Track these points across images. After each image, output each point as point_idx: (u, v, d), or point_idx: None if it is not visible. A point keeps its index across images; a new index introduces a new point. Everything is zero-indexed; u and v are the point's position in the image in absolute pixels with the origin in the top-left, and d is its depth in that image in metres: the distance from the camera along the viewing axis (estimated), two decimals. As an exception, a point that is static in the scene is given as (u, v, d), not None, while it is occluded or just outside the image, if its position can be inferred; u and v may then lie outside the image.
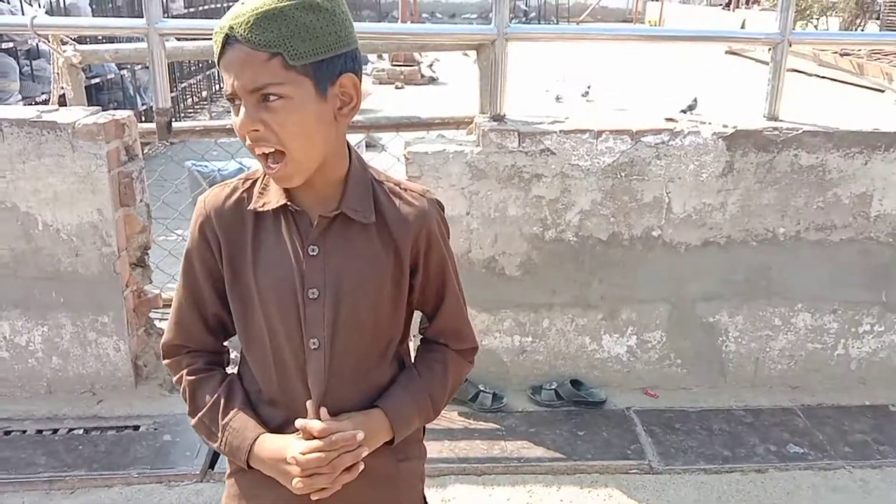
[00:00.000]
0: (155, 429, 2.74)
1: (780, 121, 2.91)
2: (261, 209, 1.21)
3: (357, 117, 3.41)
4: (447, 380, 1.34)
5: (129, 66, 8.49)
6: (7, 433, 2.71)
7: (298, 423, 1.19)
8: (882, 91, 12.59)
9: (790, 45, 2.89)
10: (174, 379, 1.32)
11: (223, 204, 1.23)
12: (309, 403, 1.21)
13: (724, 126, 2.84)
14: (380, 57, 14.99)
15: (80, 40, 3.55)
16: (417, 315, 1.37)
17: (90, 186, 2.73)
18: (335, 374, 1.23)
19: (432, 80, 14.54)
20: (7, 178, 2.71)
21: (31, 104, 6.38)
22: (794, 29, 2.90)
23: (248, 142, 1.13)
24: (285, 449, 1.19)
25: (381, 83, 13.88)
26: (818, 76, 14.41)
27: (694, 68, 15.24)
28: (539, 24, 26.00)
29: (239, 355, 1.32)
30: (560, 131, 2.78)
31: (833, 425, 2.84)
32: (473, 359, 1.40)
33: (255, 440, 1.23)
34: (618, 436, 2.75)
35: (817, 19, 19.75)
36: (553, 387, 2.96)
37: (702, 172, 2.84)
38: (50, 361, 2.92)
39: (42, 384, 2.94)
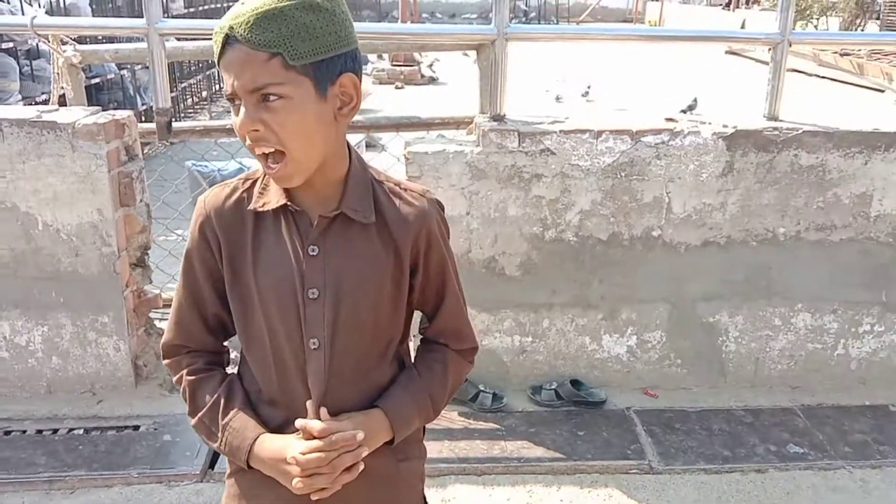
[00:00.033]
0: (155, 429, 2.74)
1: (780, 121, 2.91)
2: (261, 209, 1.21)
3: (357, 117, 3.41)
4: (447, 380, 1.34)
5: (129, 66, 8.49)
6: (7, 433, 2.71)
7: (298, 423, 1.19)
8: (882, 91, 12.59)
9: (790, 45, 2.89)
10: (174, 379, 1.32)
11: (223, 204, 1.23)
12: (309, 403, 1.21)
13: (724, 126, 2.84)
14: (380, 57, 14.99)
15: (80, 40, 3.56)
16: (417, 315, 1.37)
17: (90, 186, 2.73)
18: (335, 374, 1.23)
19: (432, 80, 14.54)
20: (7, 178, 2.71)
21: (31, 104, 6.38)
22: (794, 29, 2.90)
23: (248, 142, 1.13)
24: (285, 449, 1.19)
25: (381, 83, 13.88)
26: (818, 76, 14.42)
27: (694, 68, 15.25)
28: (539, 24, 26.00)
29: (239, 355, 1.32)
30: (560, 131, 2.78)
31: (833, 425, 2.84)
32: (473, 359, 1.40)
33: (255, 440, 1.23)
34: (618, 436, 2.75)
35: (817, 19, 19.75)
36: (553, 387, 2.96)
37: (702, 172, 2.84)
38: (50, 361, 2.92)
39: (42, 384, 2.94)
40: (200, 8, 12.03)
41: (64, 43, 3.21)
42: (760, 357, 3.06)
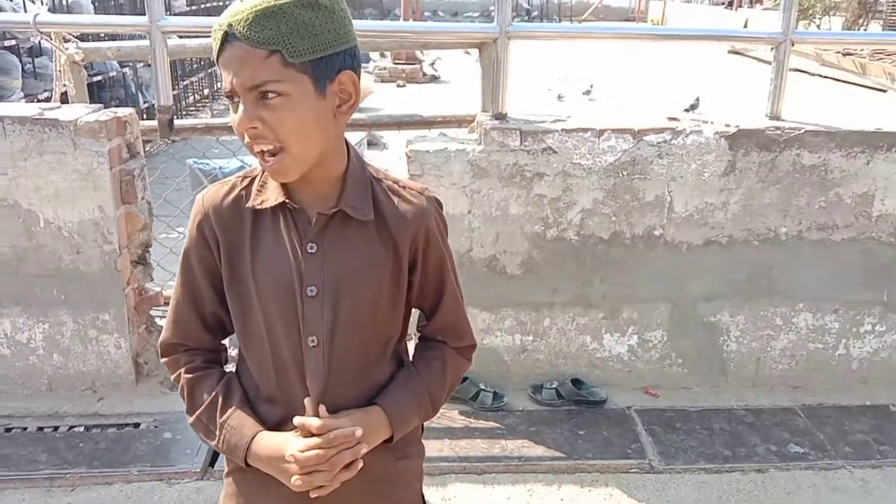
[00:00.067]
0: (155, 426, 2.74)
1: (783, 120, 2.90)
2: (259, 207, 1.21)
3: (359, 115, 3.41)
4: (446, 377, 1.34)
5: (130, 64, 8.49)
6: (8, 430, 2.71)
7: (296, 420, 1.19)
8: (884, 91, 12.57)
9: (793, 45, 2.88)
10: (172, 377, 1.32)
11: (221, 202, 1.23)
12: (307, 401, 1.21)
13: (727, 125, 2.83)
14: (382, 55, 14.97)
15: (83, 38, 3.56)
16: (415, 313, 1.37)
17: (92, 184, 2.73)
18: (334, 371, 1.23)
19: (434, 79, 14.53)
20: (9, 176, 2.71)
21: (33, 101, 6.38)
22: (796, 28, 2.89)
23: (246, 139, 1.13)
24: (283, 446, 1.19)
25: (382, 81, 13.87)
26: (821, 76, 14.39)
27: (696, 68, 15.23)
28: (541, 22, 25.98)
29: (237, 353, 1.32)
30: (562, 130, 2.78)
31: (834, 425, 2.84)
32: (472, 356, 1.40)
33: (253, 438, 1.23)
34: (618, 435, 2.75)
35: (820, 19, 19.72)
36: (554, 386, 2.96)
37: (704, 172, 2.84)
38: (51, 359, 2.92)
39: (43, 381, 2.95)
40: (202, 6, 12.03)
41: (66, 40, 3.21)
42: (761, 357, 3.06)
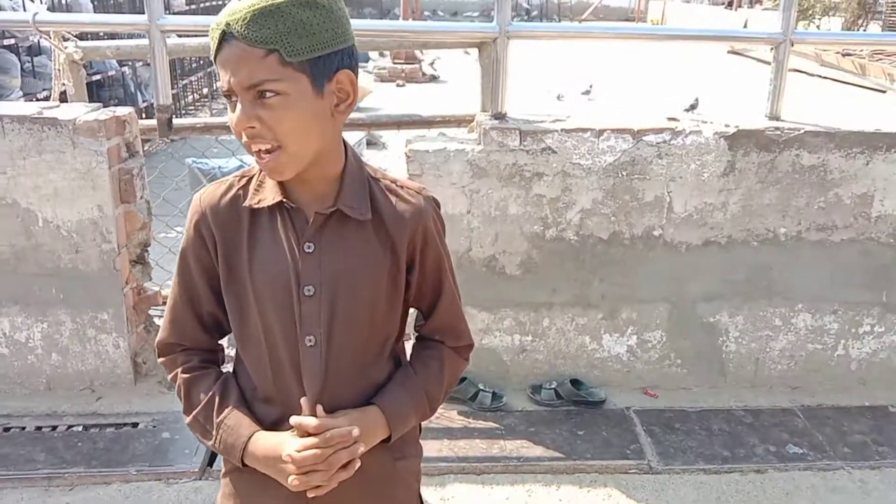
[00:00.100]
0: (154, 426, 2.74)
1: (782, 121, 2.90)
2: (256, 206, 1.21)
3: (358, 115, 3.41)
4: (443, 377, 1.33)
5: (130, 63, 8.49)
6: (6, 430, 2.71)
7: (293, 420, 1.18)
8: (884, 92, 12.57)
9: (792, 45, 2.88)
10: (169, 377, 1.31)
11: (219, 201, 1.23)
12: (303, 400, 1.20)
13: (726, 126, 2.83)
14: (381, 54, 14.97)
15: (82, 37, 3.55)
16: (413, 313, 1.37)
17: (91, 183, 2.72)
18: (331, 371, 1.22)
19: (433, 78, 14.53)
20: (8, 175, 2.71)
21: (32, 100, 6.38)
22: (796, 29, 2.89)
23: (244, 138, 1.13)
24: (280, 446, 1.19)
25: (382, 81, 13.87)
26: (820, 76, 14.39)
27: (695, 68, 15.23)
28: (541, 22, 25.98)
29: (235, 353, 1.32)
30: (561, 130, 2.78)
31: (832, 426, 2.84)
32: (469, 356, 1.40)
33: (250, 438, 1.22)
34: (617, 435, 2.75)
35: (819, 19, 19.73)
36: (553, 386, 2.96)
37: (703, 172, 2.84)
38: (49, 358, 2.92)
39: (41, 381, 2.94)
40: (202, 4, 12.02)
41: (65, 39, 3.21)
42: (760, 357, 3.06)
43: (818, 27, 19.11)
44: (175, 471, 2.52)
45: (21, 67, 6.88)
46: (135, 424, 2.75)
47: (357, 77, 1.17)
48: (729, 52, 17.68)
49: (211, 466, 2.54)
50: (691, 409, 2.93)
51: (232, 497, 1.32)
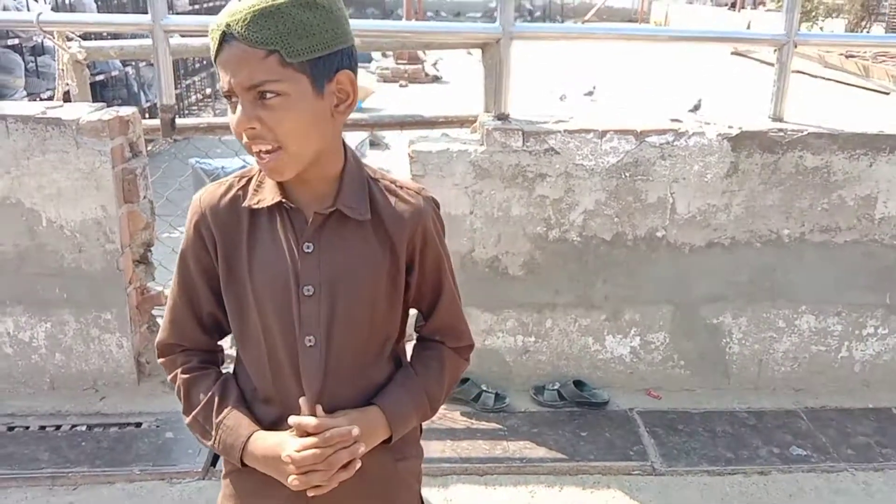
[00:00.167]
0: (157, 426, 2.74)
1: (785, 122, 2.90)
2: (256, 206, 1.21)
3: (361, 115, 3.41)
4: (444, 377, 1.33)
5: (133, 63, 8.49)
6: (10, 429, 2.71)
7: (292, 420, 1.18)
8: (887, 93, 12.56)
9: (795, 47, 2.88)
10: (169, 378, 1.31)
11: (218, 202, 1.23)
12: (302, 400, 1.20)
13: (729, 127, 2.83)
14: (384, 55, 14.98)
15: (85, 37, 3.56)
16: (413, 314, 1.37)
17: (94, 183, 2.73)
18: (331, 371, 1.22)
19: (436, 79, 14.54)
20: (12, 175, 2.71)
21: (36, 100, 6.39)
22: (799, 30, 2.89)
23: (244, 139, 1.13)
24: (280, 446, 1.18)
25: (385, 81, 13.88)
26: (823, 78, 14.39)
27: (699, 69, 15.22)
28: (544, 23, 25.98)
29: (235, 354, 1.32)
30: (564, 131, 2.78)
31: (836, 428, 2.84)
32: (470, 357, 1.40)
33: (249, 438, 1.22)
34: (620, 437, 2.75)
35: (823, 21, 19.71)
36: (556, 387, 2.96)
37: (706, 173, 2.84)
38: (53, 358, 2.92)
39: (45, 380, 2.95)
40: (205, 5, 12.03)
41: (69, 39, 3.21)
42: (764, 359, 3.06)
43: (821, 29, 19.09)
44: (178, 471, 2.52)
45: (25, 67, 6.89)
46: (138, 424, 2.75)
47: (357, 77, 1.17)
48: (732, 53, 17.67)
49: (214, 466, 2.50)
50: (695, 411, 2.93)
51: (232, 498, 1.32)
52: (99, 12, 7.93)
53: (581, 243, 2.89)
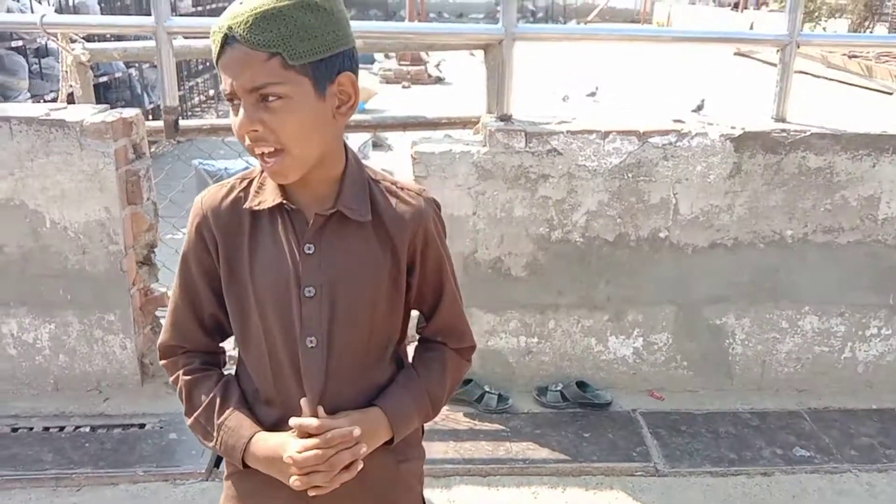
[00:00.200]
0: (161, 427, 2.74)
1: (788, 122, 2.90)
2: (257, 208, 1.21)
3: (364, 116, 3.41)
4: (446, 379, 1.33)
5: (136, 65, 8.51)
6: (14, 430, 2.72)
7: (293, 421, 1.18)
8: (890, 94, 12.53)
9: (798, 47, 2.87)
10: (171, 379, 1.31)
11: (220, 204, 1.24)
12: (303, 401, 1.20)
13: (732, 127, 2.83)
14: (386, 56, 15.01)
15: (89, 38, 3.56)
16: (415, 315, 1.37)
17: (98, 184, 2.73)
18: (332, 372, 1.23)
19: (439, 80, 14.55)
20: (15, 176, 2.72)
21: (39, 102, 6.40)
22: (802, 31, 2.89)
23: (247, 142, 1.13)
24: (281, 447, 1.19)
25: (387, 82, 13.90)
26: (826, 78, 14.37)
27: (701, 70, 15.21)
28: (546, 24, 25.97)
29: (236, 355, 1.32)
30: (567, 132, 2.78)
31: (839, 429, 2.83)
32: (471, 358, 1.40)
33: (251, 439, 1.22)
34: (623, 438, 2.75)
35: (826, 21, 19.68)
36: (558, 388, 2.96)
37: (709, 174, 2.84)
38: (57, 359, 2.93)
39: (49, 382, 2.95)
40: (208, 6, 12.06)
41: (73, 41, 3.22)
42: (767, 360, 3.05)
43: (824, 29, 19.05)
44: (182, 472, 2.52)
45: (29, 69, 6.91)
46: (142, 425, 2.76)
47: (358, 79, 1.17)
48: (735, 53, 17.65)
49: (217, 467, 2.54)
50: (698, 412, 2.93)
51: (234, 499, 1.33)
52: (102, 14, 7.95)
53: (584, 244, 2.89)
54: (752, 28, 19.06)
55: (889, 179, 2.87)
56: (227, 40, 1.08)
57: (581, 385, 2.97)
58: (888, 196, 2.88)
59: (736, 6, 27.07)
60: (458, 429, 2.78)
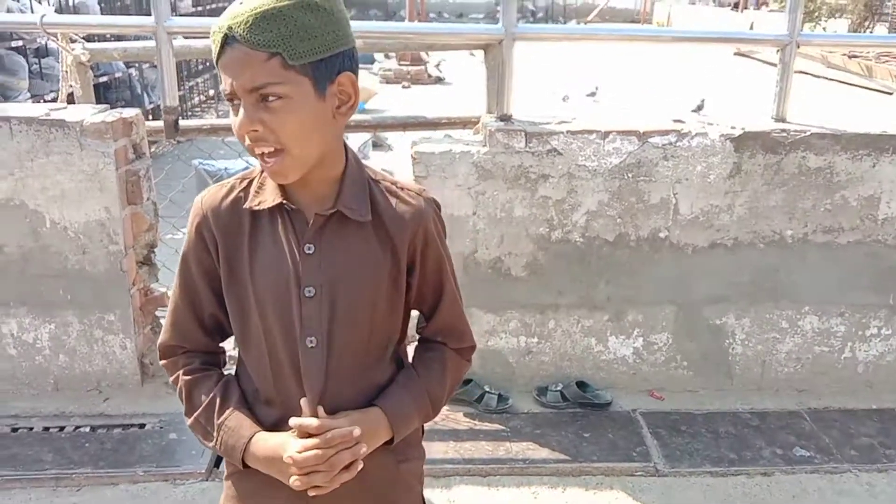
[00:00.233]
0: (161, 427, 2.74)
1: (788, 122, 2.90)
2: (256, 208, 1.21)
3: (364, 116, 3.41)
4: (446, 378, 1.33)
5: (136, 65, 8.51)
6: (14, 430, 2.72)
7: (293, 421, 1.18)
8: (890, 93, 12.53)
9: (798, 47, 2.87)
10: (171, 379, 1.31)
11: (220, 204, 1.24)
12: (303, 401, 1.20)
13: (732, 127, 2.83)
14: (386, 56, 15.01)
15: (89, 38, 3.56)
16: (415, 315, 1.37)
17: (98, 184, 2.73)
18: (332, 372, 1.23)
19: (439, 80, 14.55)
20: (15, 176, 2.72)
21: (39, 102, 6.40)
22: (802, 31, 2.89)
23: (247, 142, 1.13)
24: (281, 447, 1.19)
25: (387, 83, 13.90)
26: (826, 78, 14.37)
27: (701, 70, 15.21)
28: (546, 24, 25.97)
29: (237, 355, 1.32)
30: (567, 132, 2.78)
31: (840, 429, 2.83)
32: (471, 358, 1.40)
33: (251, 439, 1.23)
34: (623, 438, 2.75)
35: (826, 21, 19.68)
36: (559, 388, 2.96)
37: (709, 174, 2.84)
38: (57, 359, 2.93)
39: (49, 382, 2.95)
40: (208, 6, 12.06)
41: (73, 41, 3.22)
42: (767, 360, 3.06)
43: (824, 29, 19.05)
44: (182, 472, 2.52)
45: (29, 69, 6.91)
46: (142, 425, 2.76)
47: (358, 79, 1.18)
48: (735, 53, 17.65)
49: (218, 467, 2.54)
50: (698, 412, 2.93)
51: (234, 499, 1.33)
52: (102, 14, 7.95)
53: (584, 244, 2.89)
54: (752, 28, 19.06)
55: (889, 179, 2.87)
56: (227, 40, 1.08)
57: (581, 385, 2.97)
58: (888, 196, 2.88)
59: (736, 6, 27.07)
60: (458, 429, 2.78)
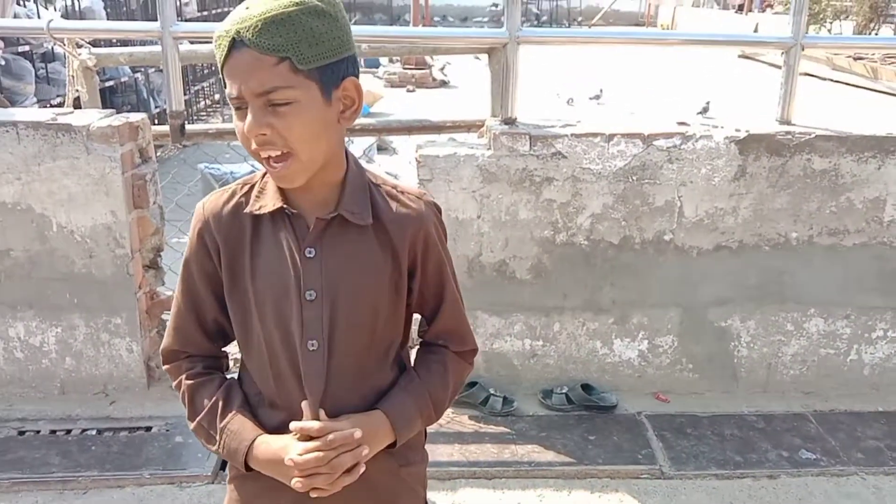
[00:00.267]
0: (167, 430, 2.75)
1: (793, 125, 2.90)
2: (257, 212, 1.22)
3: (369, 120, 3.42)
4: (448, 382, 1.34)
5: (142, 70, 8.54)
6: (21, 433, 2.73)
7: (294, 425, 1.19)
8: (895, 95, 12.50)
9: (803, 49, 2.87)
10: (174, 384, 1.32)
11: (221, 209, 1.24)
12: (305, 405, 1.21)
13: (737, 130, 2.83)
14: (391, 60, 15.02)
15: (95, 43, 3.58)
16: (416, 319, 1.37)
17: (104, 188, 2.75)
18: (334, 376, 1.23)
19: (443, 84, 14.55)
20: (22, 180, 2.74)
21: (46, 107, 6.43)
22: (807, 33, 2.89)
23: (253, 145, 1.13)
24: (283, 449, 1.19)
25: (392, 86, 13.90)
26: (831, 80, 14.33)
27: (706, 72, 15.19)
28: (550, 27, 25.99)
29: (240, 359, 1.33)
30: (571, 135, 2.78)
31: (846, 431, 2.83)
32: (473, 360, 1.41)
33: (253, 442, 1.23)
34: (629, 440, 2.75)
35: (831, 23, 19.64)
36: (564, 391, 2.96)
37: (714, 176, 2.83)
38: (63, 362, 2.94)
39: (55, 385, 2.96)
40: (213, 11, 12.10)
41: (79, 46, 3.24)
42: (773, 362, 3.05)
43: (829, 31, 19.01)
44: (188, 474, 2.53)
45: (35, 74, 6.94)
46: (148, 428, 2.76)
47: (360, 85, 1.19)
48: (740, 56, 17.62)
49: (223, 470, 2.55)
50: (703, 414, 2.92)
51: (238, 502, 1.33)
52: (108, 19, 7.99)
53: (588, 247, 2.89)
54: (756, 30, 19.03)
55: (894, 181, 2.86)
56: (235, 44, 1.09)
57: (586, 388, 2.97)
58: (894, 198, 2.88)
59: (741, 8, 27.03)
60: (463, 431, 2.78)
